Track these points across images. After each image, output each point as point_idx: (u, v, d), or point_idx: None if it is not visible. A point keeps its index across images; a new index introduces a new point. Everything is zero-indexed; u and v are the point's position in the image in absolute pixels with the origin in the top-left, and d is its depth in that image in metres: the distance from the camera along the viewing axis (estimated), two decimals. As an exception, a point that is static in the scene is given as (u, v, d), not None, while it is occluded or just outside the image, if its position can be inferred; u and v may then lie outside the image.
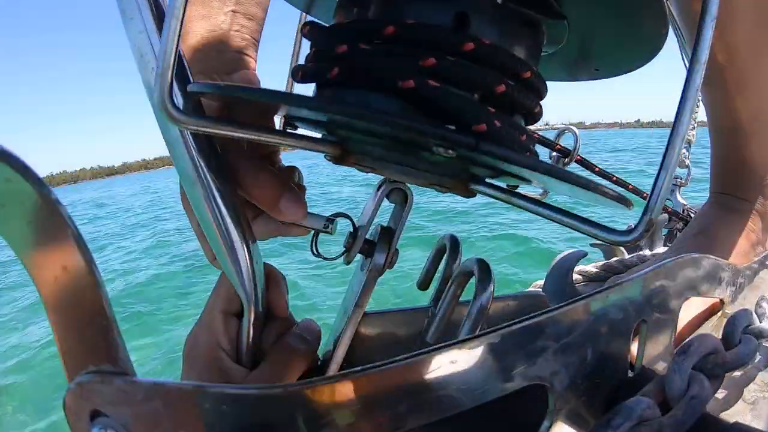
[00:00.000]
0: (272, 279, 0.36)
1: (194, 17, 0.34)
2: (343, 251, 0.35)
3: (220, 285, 0.35)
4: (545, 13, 0.29)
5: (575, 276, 0.55)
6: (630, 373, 0.29)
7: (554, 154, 0.56)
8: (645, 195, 0.70)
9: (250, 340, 0.34)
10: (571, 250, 0.52)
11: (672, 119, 0.25)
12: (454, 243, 0.39)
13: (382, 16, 0.26)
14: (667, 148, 0.24)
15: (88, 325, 0.20)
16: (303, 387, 0.20)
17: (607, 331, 0.26)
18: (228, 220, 0.32)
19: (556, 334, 0.24)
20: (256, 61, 0.37)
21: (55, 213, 0.18)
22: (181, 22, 0.22)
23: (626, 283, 0.27)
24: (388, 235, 0.35)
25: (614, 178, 0.59)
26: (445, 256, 0.39)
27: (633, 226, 0.24)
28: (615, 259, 0.56)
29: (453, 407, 0.21)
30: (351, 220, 0.36)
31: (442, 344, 0.22)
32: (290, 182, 0.33)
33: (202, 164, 0.31)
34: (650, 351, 0.31)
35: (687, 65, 0.26)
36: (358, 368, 0.21)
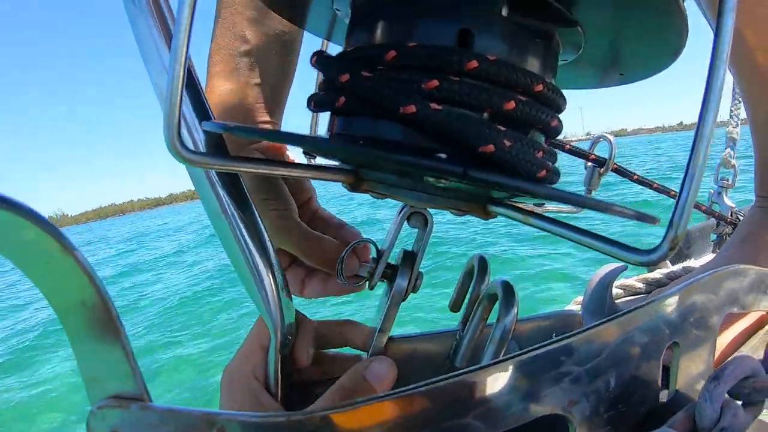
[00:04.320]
0: (301, 328, 0.35)
1: (221, 90, 0.35)
2: (366, 277, 0.34)
3: (259, 321, 0.35)
4: (555, 21, 0.26)
5: (617, 290, 0.50)
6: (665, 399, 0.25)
7: (589, 164, 0.52)
8: (703, 208, 0.64)
9: (278, 365, 0.33)
10: (611, 264, 0.48)
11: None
12: (482, 264, 0.37)
13: (385, 41, 0.25)
14: (691, 156, 0.21)
15: (107, 355, 0.21)
16: (324, 413, 0.19)
17: (634, 355, 0.23)
18: (254, 252, 0.31)
19: (574, 361, 0.21)
20: (280, 125, 0.37)
21: (70, 254, 0.19)
22: (184, 65, 0.22)
23: (655, 302, 0.23)
24: (410, 258, 0.33)
25: (654, 185, 0.53)
26: (474, 277, 0.37)
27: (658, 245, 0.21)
28: (658, 271, 0.51)
29: None
30: (375, 245, 0.34)
31: (456, 372, 0.20)
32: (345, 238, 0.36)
33: (226, 197, 0.31)
34: (689, 371, 0.27)
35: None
36: (375, 395, 0.20)
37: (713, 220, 0.68)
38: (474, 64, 0.23)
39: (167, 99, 0.22)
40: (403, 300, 0.32)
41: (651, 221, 0.23)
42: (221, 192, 0.31)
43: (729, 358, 0.29)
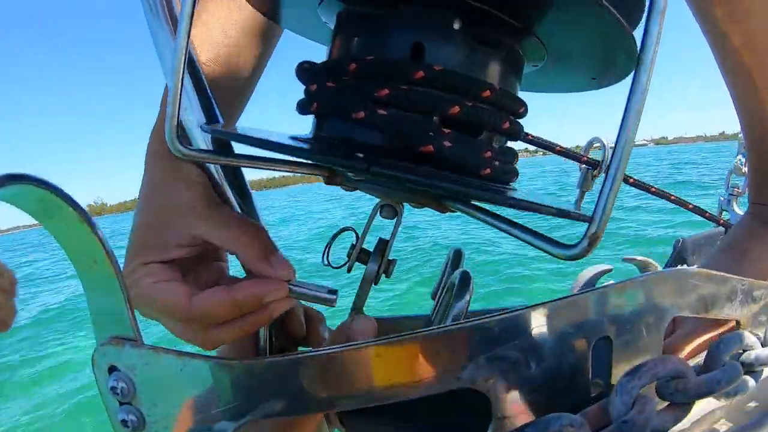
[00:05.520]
0: (312, 318, 0.39)
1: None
2: (345, 261, 0.37)
3: None
4: (509, 33, 0.28)
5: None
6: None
7: (583, 166, 0.53)
8: (707, 214, 0.62)
9: (266, 332, 0.37)
10: (597, 266, 0.48)
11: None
12: (457, 255, 0.39)
13: (350, 54, 0.28)
14: (614, 152, 0.22)
15: (109, 302, 0.25)
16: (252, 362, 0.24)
17: (557, 343, 0.24)
18: None
19: (493, 341, 0.23)
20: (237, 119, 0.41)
21: (86, 223, 0.22)
22: (182, 82, 0.26)
23: (582, 295, 0.25)
24: (382, 245, 0.36)
25: (652, 189, 0.53)
26: (447, 268, 0.39)
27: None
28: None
29: (382, 398, 0.22)
30: (355, 232, 0.38)
31: (373, 340, 0.22)
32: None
33: (228, 187, 0.36)
34: (625, 369, 0.27)
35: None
36: (322, 349, 0.24)
37: (721, 228, 0.66)
38: (421, 74, 0.26)
39: (169, 108, 0.26)
40: (375, 283, 0.35)
41: (583, 219, 0.25)
42: (225, 182, 0.36)
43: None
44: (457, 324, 0.23)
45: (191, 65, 0.36)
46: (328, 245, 0.38)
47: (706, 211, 0.57)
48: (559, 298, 0.25)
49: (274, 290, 0.29)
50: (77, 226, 0.22)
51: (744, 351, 0.29)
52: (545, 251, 0.24)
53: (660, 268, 0.55)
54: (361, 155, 0.22)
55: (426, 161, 0.25)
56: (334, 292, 0.31)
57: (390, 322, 0.40)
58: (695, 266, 0.60)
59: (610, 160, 0.23)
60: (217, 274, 0.34)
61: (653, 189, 0.53)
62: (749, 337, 0.29)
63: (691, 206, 0.55)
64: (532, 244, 0.25)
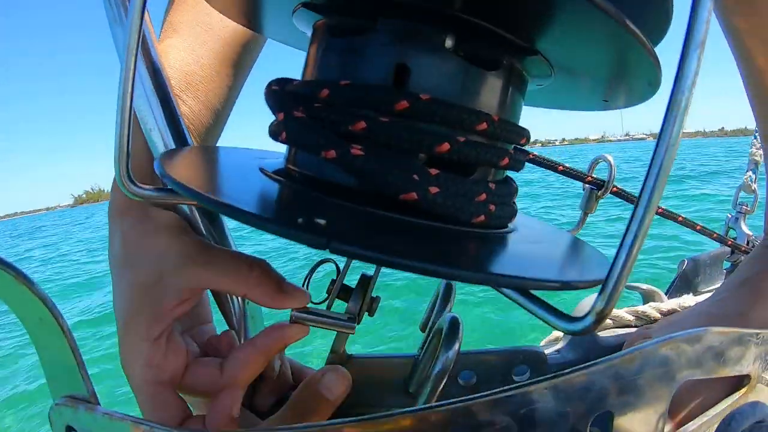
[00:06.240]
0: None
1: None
2: (325, 297, 0.33)
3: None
4: (510, 51, 0.24)
5: (606, 320, 0.47)
6: None
7: (587, 186, 0.48)
8: (715, 235, 0.57)
9: None
10: (596, 294, 0.44)
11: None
12: (447, 288, 0.35)
13: (322, 77, 0.24)
14: (631, 218, 0.18)
15: (62, 361, 0.24)
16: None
17: (549, 425, 0.21)
18: None
19: (480, 423, 0.19)
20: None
21: (26, 286, 0.23)
22: (129, 121, 0.22)
23: (585, 371, 0.21)
24: (364, 281, 0.32)
25: (660, 210, 0.49)
26: (437, 302, 0.35)
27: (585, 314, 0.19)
28: (651, 304, 0.46)
29: None
30: (336, 265, 0.34)
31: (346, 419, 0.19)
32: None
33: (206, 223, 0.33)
34: None
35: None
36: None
37: (727, 249, 0.62)
38: (404, 104, 0.21)
39: (116, 145, 0.22)
40: (357, 323, 0.31)
41: (576, 287, 0.21)
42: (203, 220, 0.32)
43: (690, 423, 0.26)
44: (439, 405, 0.20)
45: (161, 89, 0.32)
46: (307, 279, 0.34)
47: (714, 232, 0.54)
48: (559, 374, 0.21)
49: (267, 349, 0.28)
50: (16, 286, 0.23)
51: (759, 422, 0.25)
52: (547, 323, 0.20)
53: (664, 297, 0.51)
54: (323, 222, 0.17)
55: (408, 211, 0.21)
56: (353, 318, 0.29)
57: (373, 362, 0.37)
58: (710, 286, 0.57)
59: (630, 222, 0.19)
60: (205, 335, 0.32)
61: (660, 210, 0.49)
62: (763, 408, 0.25)
63: (699, 227, 0.51)
64: (534, 314, 0.21)
